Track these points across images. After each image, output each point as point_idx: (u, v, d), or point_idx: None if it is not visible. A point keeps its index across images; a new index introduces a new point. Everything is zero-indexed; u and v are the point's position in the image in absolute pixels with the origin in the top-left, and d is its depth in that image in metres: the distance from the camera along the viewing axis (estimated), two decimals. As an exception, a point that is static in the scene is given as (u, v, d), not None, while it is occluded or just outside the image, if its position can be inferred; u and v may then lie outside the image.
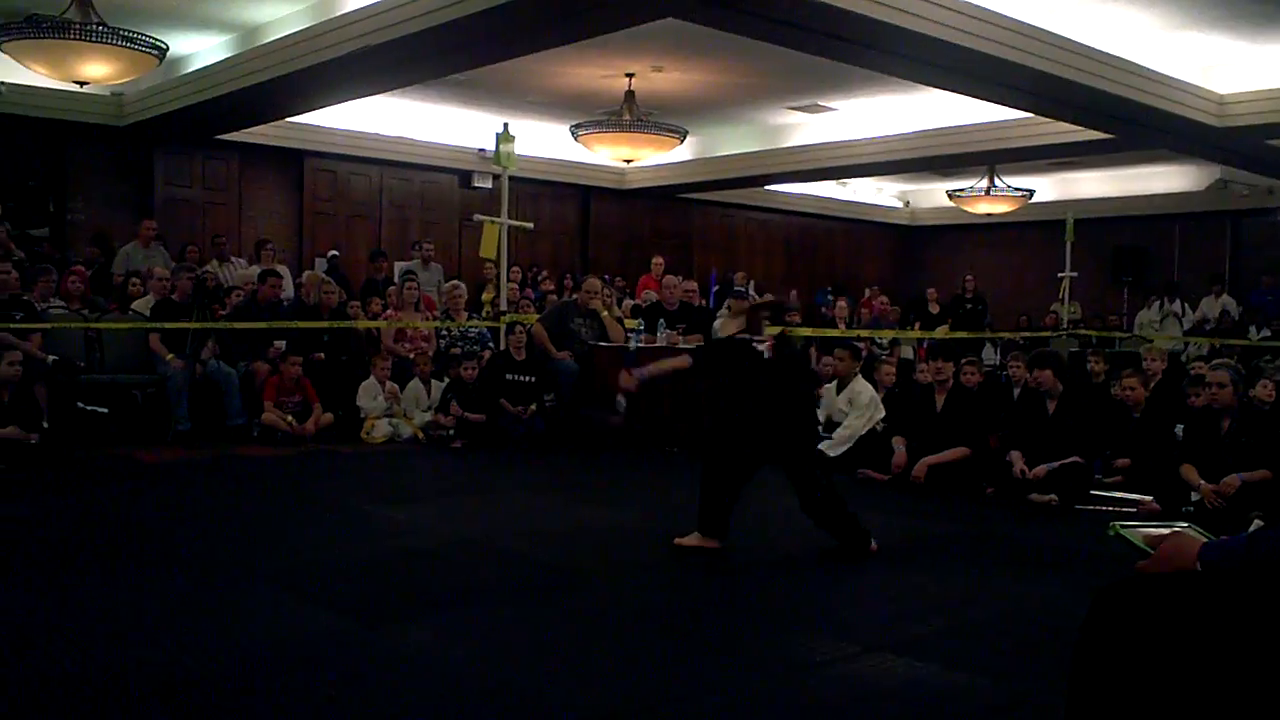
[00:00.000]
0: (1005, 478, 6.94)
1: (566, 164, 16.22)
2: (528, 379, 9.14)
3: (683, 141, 12.75)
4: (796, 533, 5.80)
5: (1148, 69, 10.68)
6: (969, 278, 15.48)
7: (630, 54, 11.08)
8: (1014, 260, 19.96)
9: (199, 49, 11.34)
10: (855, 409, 8.23)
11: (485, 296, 12.00)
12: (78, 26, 8.63)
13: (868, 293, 17.09)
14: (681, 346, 9.34)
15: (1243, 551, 2.02)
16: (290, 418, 8.85)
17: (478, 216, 10.54)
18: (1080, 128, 12.24)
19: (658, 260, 13.79)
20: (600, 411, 5.87)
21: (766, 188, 18.53)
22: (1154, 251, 18.76)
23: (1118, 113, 11.16)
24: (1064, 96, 10.56)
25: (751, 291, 13.81)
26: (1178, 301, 16.51)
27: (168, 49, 9.30)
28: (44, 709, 2.92)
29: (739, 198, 18.74)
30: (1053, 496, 6.69)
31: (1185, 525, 2.28)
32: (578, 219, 17.75)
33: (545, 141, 15.01)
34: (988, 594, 4.58)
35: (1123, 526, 2.34)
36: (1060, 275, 13.97)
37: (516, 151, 10.67)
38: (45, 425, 7.47)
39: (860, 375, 8.51)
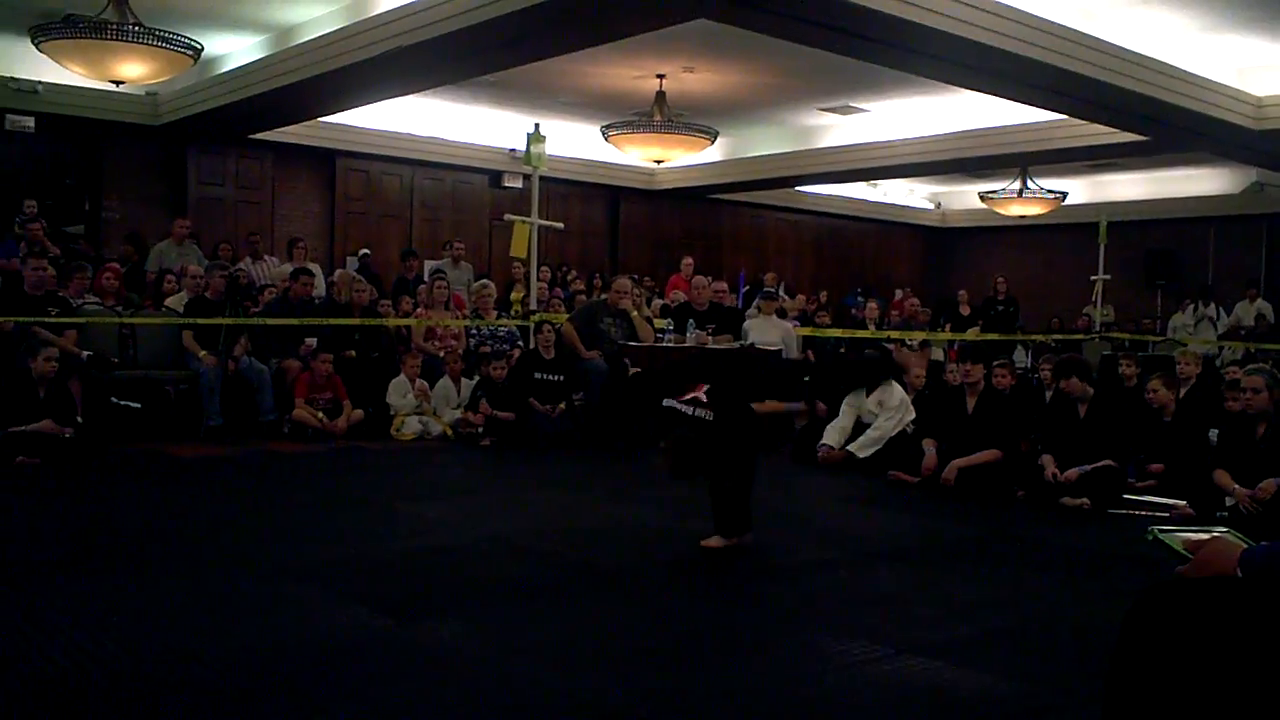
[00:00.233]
0: (1037, 481, 6.89)
1: (596, 164, 16.24)
2: (557, 378, 9.15)
3: (713, 142, 12.74)
4: (823, 535, 5.80)
5: (1183, 71, 10.59)
6: (1000, 280, 15.38)
7: (661, 55, 11.08)
8: (1046, 263, 19.84)
9: (233, 49, 11.43)
10: (886, 411, 8.20)
11: (515, 296, 12.02)
12: (114, 27, 8.71)
13: (898, 294, 17.02)
14: (711, 346, 9.35)
15: (1284, 557, 2.00)
16: (321, 414, 8.91)
17: (508, 216, 10.57)
18: (1114, 130, 12.16)
19: (687, 260, 13.79)
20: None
21: (797, 189, 18.50)
22: (1188, 255, 18.60)
23: (1153, 115, 11.06)
24: (1098, 98, 10.48)
25: (782, 292, 13.80)
26: (1212, 305, 16.35)
27: (203, 49, 9.37)
28: (76, 701, 2.94)
29: (769, 199, 18.71)
30: (1085, 500, 6.63)
31: (1223, 530, 2.26)
32: (607, 219, 17.77)
33: (575, 142, 15.03)
34: (1020, 598, 4.55)
35: (1161, 531, 2.32)
36: (1093, 278, 13.86)
37: (547, 152, 10.69)
38: (79, 420, 7.52)
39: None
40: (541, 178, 10.69)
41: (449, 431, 9.18)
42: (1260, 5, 9.45)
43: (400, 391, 9.31)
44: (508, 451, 8.56)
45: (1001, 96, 11.02)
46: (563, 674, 3.37)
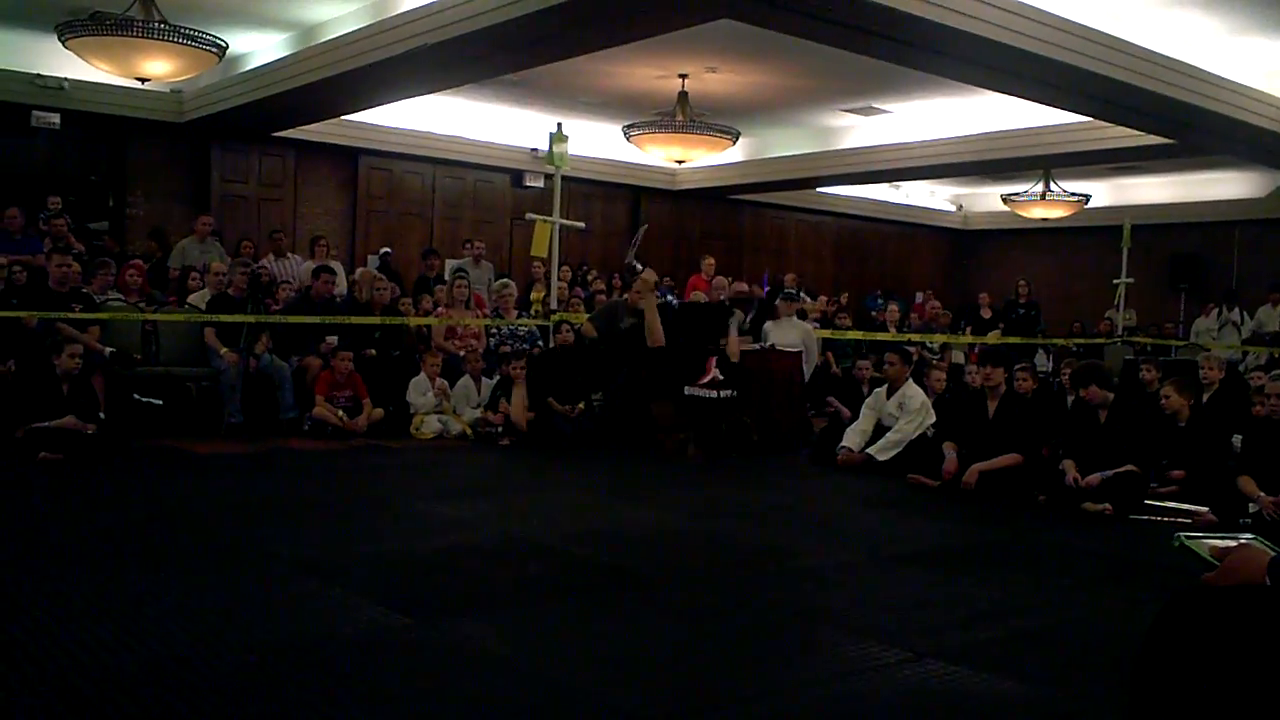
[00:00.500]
0: (1058, 486, 6.84)
1: (618, 164, 16.25)
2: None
3: (735, 143, 12.72)
4: (844, 537, 5.78)
5: (1210, 74, 10.51)
6: (1022, 283, 15.31)
7: (684, 55, 11.07)
8: (1068, 266, 19.74)
9: (257, 47, 11.48)
10: (906, 414, 8.17)
11: (535, 295, 12.04)
12: (140, 24, 8.76)
13: (919, 297, 16.95)
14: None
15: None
16: (341, 413, 8.93)
17: (530, 215, 10.57)
18: (1139, 133, 12.08)
19: (709, 260, 13.77)
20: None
21: (818, 190, 18.46)
22: (1212, 258, 18.46)
23: (1178, 118, 10.99)
24: (1124, 101, 10.42)
25: (803, 294, 13.77)
26: (1236, 309, 16.21)
27: (227, 47, 9.42)
28: (99, 695, 2.95)
29: (790, 199, 18.69)
30: (1106, 505, 6.58)
31: (1250, 537, 2.23)
32: (628, 219, 17.75)
33: (597, 142, 15.04)
34: (1041, 603, 4.52)
35: (1188, 537, 2.30)
36: (1116, 282, 13.80)
37: (569, 151, 10.69)
38: (102, 416, 7.56)
39: (911, 380, 8.45)
40: (563, 177, 10.69)
41: (468, 431, 9.19)
42: (1289, 8, 9.39)
43: (420, 390, 9.33)
44: (527, 451, 8.57)
45: (1025, 98, 10.97)
46: (581, 674, 3.36)
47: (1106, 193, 17.81)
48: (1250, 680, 1.85)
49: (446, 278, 11.87)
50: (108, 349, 8.45)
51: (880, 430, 8.27)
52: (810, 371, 10.29)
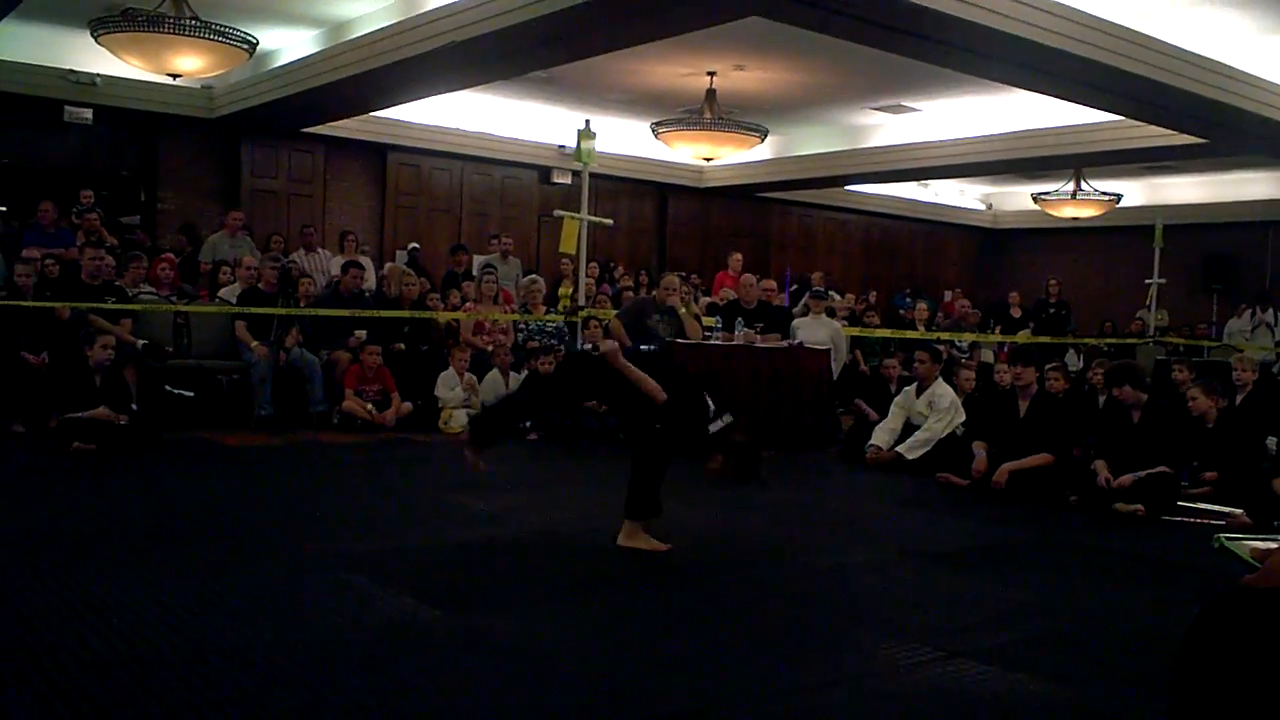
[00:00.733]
0: (1089, 486, 6.80)
1: (645, 161, 16.23)
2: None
3: (763, 140, 12.69)
4: (873, 536, 5.76)
5: (1243, 72, 10.42)
6: (1053, 282, 15.20)
7: (713, 52, 11.05)
8: (1099, 266, 19.59)
9: (287, 44, 11.53)
10: (935, 412, 8.13)
11: (563, 291, 12.05)
12: (171, 20, 8.81)
13: (948, 295, 16.86)
14: (759, 345, 9.33)
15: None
16: (370, 406, 8.97)
17: (558, 212, 10.59)
18: (1172, 131, 11.98)
19: (736, 256, 13.75)
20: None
21: (846, 188, 18.39)
22: (1246, 258, 18.28)
23: (1211, 117, 10.89)
24: (1156, 99, 10.33)
25: (833, 292, 13.73)
26: (1270, 310, 16.04)
27: (258, 43, 9.46)
28: (132, 683, 2.97)
29: (818, 197, 18.62)
30: (1139, 506, 6.53)
31: (1291, 538, 2.20)
32: (655, 216, 17.75)
33: (624, 139, 15.03)
34: (1072, 603, 4.48)
35: (1227, 539, 2.28)
36: (1148, 281, 13.70)
37: (596, 148, 10.69)
38: (134, 408, 7.63)
39: (941, 378, 8.40)
40: (590, 174, 10.69)
41: (496, 426, 9.19)
42: (1324, 5, 9.28)
43: (448, 384, 9.36)
44: (555, 446, 8.57)
45: (1056, 97, 10.88)
46: (608, 669, 3.36)
47: (1138, 192, 17.66)
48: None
49: (475, 273, 11.90)
50: (140, 341, 8.52)
51: (909, 429, 8.24)
52: (839, 369, 10.26)
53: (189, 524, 5.20)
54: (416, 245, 14.13)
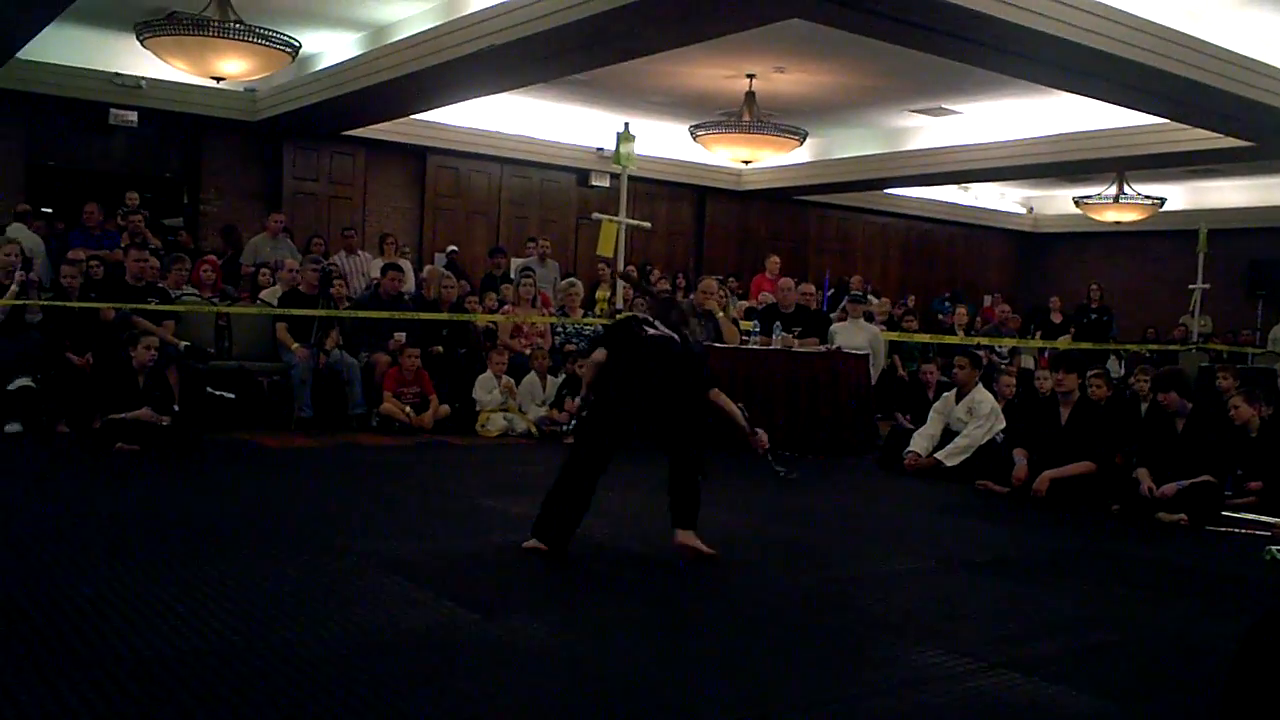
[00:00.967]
0: (1132, 495, 6.72)
1: (683, 164, 16.22)
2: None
3: (802, 143, 12.64)
4: (912, 543, 5.71)
5: (1292, 75, 10.26)
6: (1095, 287, 15.04)
7: (752, 54, 11.02)
8: (1142, 270, 19.37)
9: (329, 47, 11.61)
10: (975, 419, 8.06)
11: (600, 294, 12.06)
12: (216, 24, 8.89)
13: (988, 300, 16.73)
14: (797, 350, 9.29)
15: None
16: (408, 409, 9.01)
17: (597, 215, 10.59)
18: (1216, 134, 11.82)
19: (773, 259, 13.70)
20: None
21: (885, 191, 18.29)
22: (1292, 264, 18.02)
23: (1258, 120, 10.74)
24: (1201, 102, 10.21)
25: (870, 295, 13.66)
26: (1316, 317, 15.84)
27: (300, 47, 9.53)
28: (174, 681, 3.00)
29: (857, 201, 18.54)
30: (1182, 516, 6.45)
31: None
32: (693, 219, 17.74)
33: (662, 141, 15.04)
34: (1117, 614, 4.43)
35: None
36: (1191, 287, 13.54)
37: (635, 151, 10.69)
38: (176, 408, 7.70)
39: (980, 384, 8.33)
40: (629, 177, 10.69)
41: (533, 429, 9.22)
42: (1375, 8, 9.13)
43: (486, 387, 9.39)
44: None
45: (1099, 99, 10.78)
46: (645, 675, 3.36)
47: (1182, 195, 17.44)
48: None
49: (513, 276, 11.93)
50: (182, 343, 8.59)
51: (948, 435, 8.17)
52: (877, 375, 10.20)
53: (229, 525, 5.24)
54: (455, 248, 14.20)
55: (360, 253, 12.12)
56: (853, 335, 10.04)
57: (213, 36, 8.91)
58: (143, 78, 12.22)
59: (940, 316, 15.34)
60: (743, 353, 9.31)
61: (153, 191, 13.18)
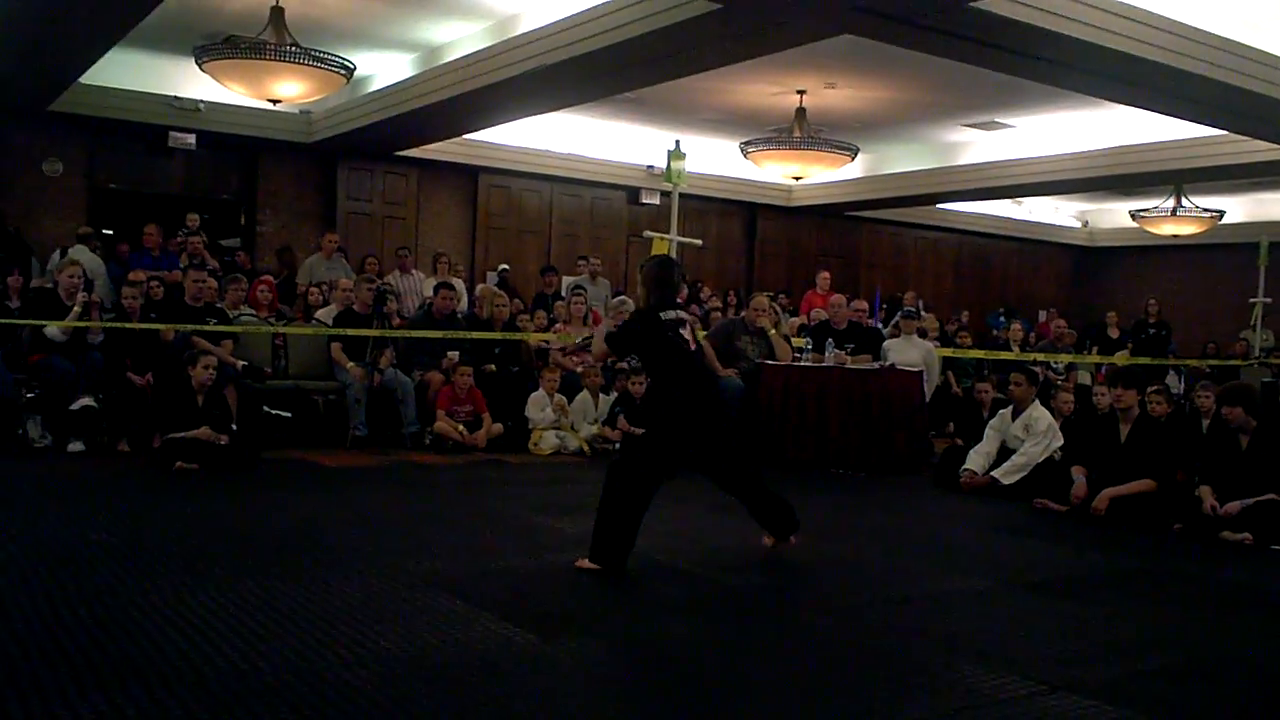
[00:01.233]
0: (1194, 514, 6.60)
1: (733, 180, 16.21)
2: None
3: (854, 159, 12.58)
4: (970, 563, 5.65)
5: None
6: (1152, 301, 14.82)
7: (803, 70, 11.00)
8: (1201, 284, 19.05)
9: (383, 68, 11.74)
10: (1032, 436, 7.96)
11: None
12: (273, 47, 9.02)
13: (1043, 315, 16.55)
14: (850, 367, 9.24)
15: None
16: (461, 427, 9.05)
17: (648, 233, 10.61)
18: (1277, 146, 11.61)
19: (824, 275, 13.65)
20: None
21: (938, 206, 18.16)
22: (1357, 277, 17.64)
23: (1320, 131, 10.56)
24: (1260, 112, 10.04)
25: (922, 311, 13.55)
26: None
27: (355, 68, 9.65)
28: (225, 702, 3.02)
29: (908, 216, 18.42)
30: (1247, 535, 6.32)
31: None
32: (743, 236, 17.72)
33: (712, 158, 15.04)
34: (1181, 635, 4.35)
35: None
36: (1252, 301, 13.30)
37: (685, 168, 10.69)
38: (234, 428, 7.79)
39: (1037, 401, 8.23)
40: (679, 194, 10.69)
41: (585, 447, 9.23)
42: None
43: (539, 406, 9.41)
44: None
45: (1156, 111, 10.63)
46: (701, 696, 3.34)
47: (1242, 208, 17.14)
48: None
49: (564, 294, 11.97)
50: (240, 362, 8.71)
51: (1005, 453, 8.08)
52: (931, 391, 10.11)
53: (286, 543, 5.29)
54: (506, 266, 14.28)
55: (414, 272, 12.22)
56: (906, 351, 9.96)
57: (269, 60, 9.04)
58: (201, 101, 12.43)
59: (995, 332, 15.18)
60: (796, 370, 9.27)
61: (210, 213, 13.41)
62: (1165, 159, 13.03)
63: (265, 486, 7.10)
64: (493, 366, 9.77)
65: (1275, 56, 9.36)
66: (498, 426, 9.25)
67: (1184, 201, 15.32)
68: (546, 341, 10.41)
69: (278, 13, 9.15)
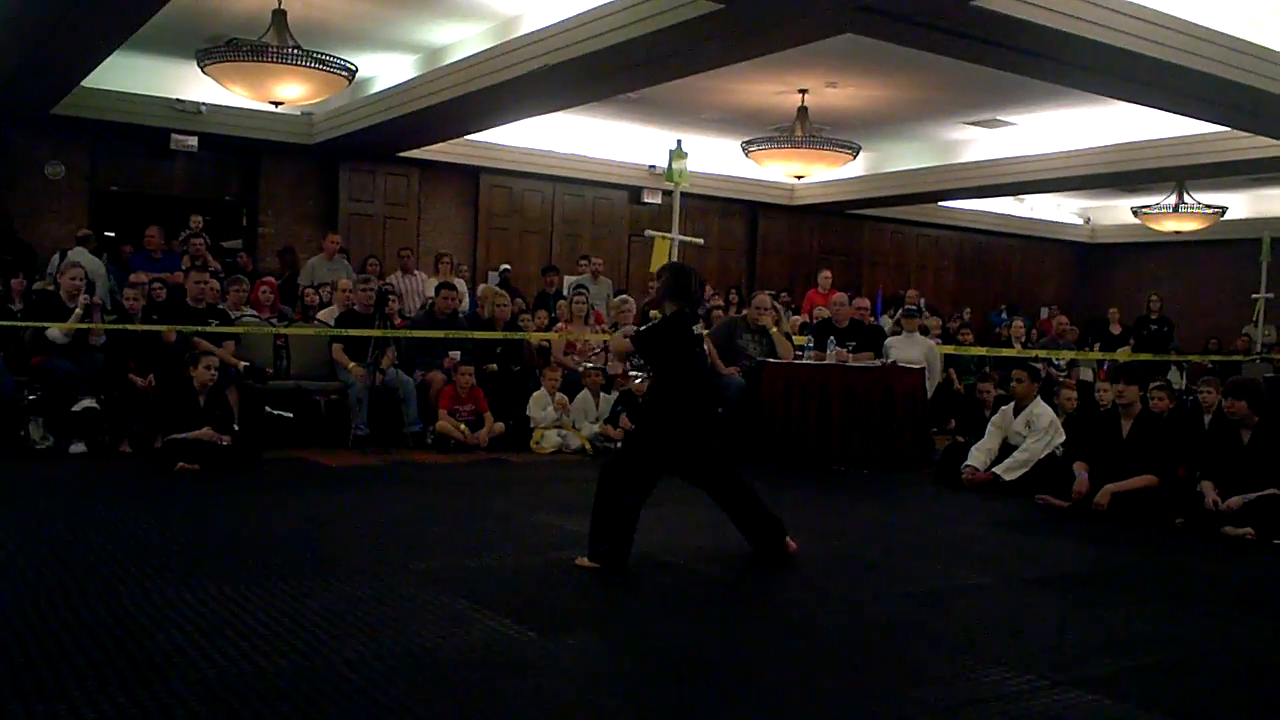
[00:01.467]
0: (1196, 509, 6.60)
1: (735, 180, 16.22)
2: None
3: (855, 157, 12.58)
4: (972, 559, 5.65)
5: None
6: (1154, 298, 14.81)
7: (805, 69, 11.00)
8: (1203, 281, 19.04)
9: (385, 70, 11.75)
10: (1034, 432, 7.96)
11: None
12: (275, 50, 9.03)
13: (1045, 312, 16.54)
14: (851, 365, 9.25)
15: None
16: (463, 426, 9.06)
17: (649, 232, 10.62)
18: (1278, 142, 11.60)
19: (825, 274, 13.65)
20: None
21: (940, 204, 18.16)
22: (1359, 273, 17.62)
23: (1321, 127, 10.55)
24: (1261, 109, 10.02)
25: (924, 309, 13.55)
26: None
27: (357, 70, 9.66)
28: (228, 703, 3.03)
29: (911, 214, 18.42)
30: (1249, 530, 6.32)
31: None
32: (745, 234, 17.73)
33: (714, 157, 15.04)
34: (1180, 630, 4.35)
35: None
36: (1254, 296, 13.29)
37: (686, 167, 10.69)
38: (236, 428, 7.80)
39: (1039, 397, 8.23)
40: (681, 193, 10.69)
41: (587, 446, 9.24)
42: None
43: (540, 405, 9.42)
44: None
45: (1157, 108, 10.62)
46: (701, 693, 3.34)
47: (1244, 204, 17.14)
48: None
49: (566, 294, 11.98)
50: (242, 363, 8.72)
51: (1007, 449, 8.08)
52: (933, 388, 10.11)
53: (289, 543, 5.30)
54: (507, 266, 14.29)
55: (416, 272, 12.24)
56: (908, 349, 9.97)
57: (271, 62, 9.06)
58: (203, 103, 12.45)
59: (997, 329, 15.18)
60: (797, 368, 9.27)
61: (212, 214, 13.42)
62: (1167, 155, 13.03)
63: (267, 487, 7.11)
64: (494, 366, 9.77)
65: (1276, 52, 9.35)
66: (499, 426, 9.25)
67: (1186, 198, 15.31)
68: (547, 341, 10.41)
69: (280, 15, 9.17)
